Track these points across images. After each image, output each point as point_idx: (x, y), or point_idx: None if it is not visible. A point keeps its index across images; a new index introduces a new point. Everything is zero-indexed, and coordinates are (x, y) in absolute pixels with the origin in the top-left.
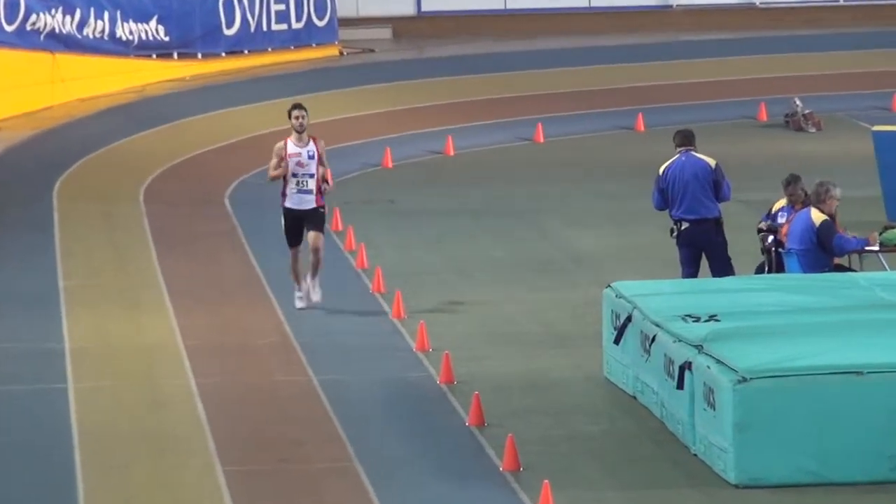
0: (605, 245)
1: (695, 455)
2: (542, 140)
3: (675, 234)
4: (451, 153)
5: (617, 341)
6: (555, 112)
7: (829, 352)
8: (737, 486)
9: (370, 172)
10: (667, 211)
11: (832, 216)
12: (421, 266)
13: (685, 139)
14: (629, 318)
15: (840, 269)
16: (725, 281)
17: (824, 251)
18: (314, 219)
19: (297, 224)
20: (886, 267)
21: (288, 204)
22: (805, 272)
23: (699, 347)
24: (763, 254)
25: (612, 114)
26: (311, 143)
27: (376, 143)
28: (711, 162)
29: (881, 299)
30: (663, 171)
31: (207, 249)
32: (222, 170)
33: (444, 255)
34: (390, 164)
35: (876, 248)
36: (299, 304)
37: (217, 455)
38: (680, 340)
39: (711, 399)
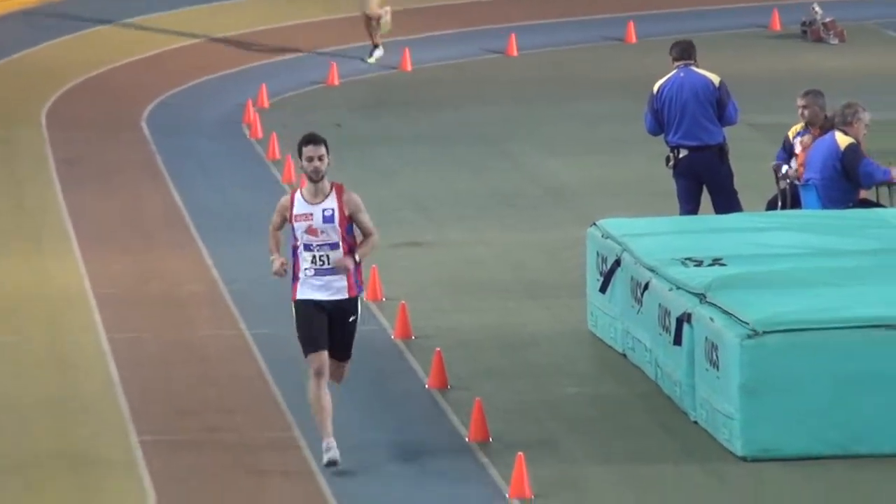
0: (588, 177)
1: (695, 423)
2: (514, 53)
3: (671, 163)
4: (408, 69)
5: (603, 290)
6: (530, 20)
7: (854, 303)
8: (744, 459)
9: (312, 91)
10: (662, 136)
11: (858, 143)
12: (373, 202)
13: (684, 52)
14: (618, 263)
15: (866, 204)
16: (731, 218)
17: (849, 182)
18: (343, 336)
19: (320, 318)
20: None
21: (301, 294)
22: (826, 207)
23: (701, 296)
24: (776, 185)
25: (598, 22)
26: (333, 196)
27: (319, 57)
28: (715, 79)
29: None
30: (658, 90)
31: (122, 182)
32: (139, 88)
33: (399, 190)
34: (336, 82)
35: None
36: (328, 456)
37: (132, 423)
38: (678, 288)
39: (715, 357)
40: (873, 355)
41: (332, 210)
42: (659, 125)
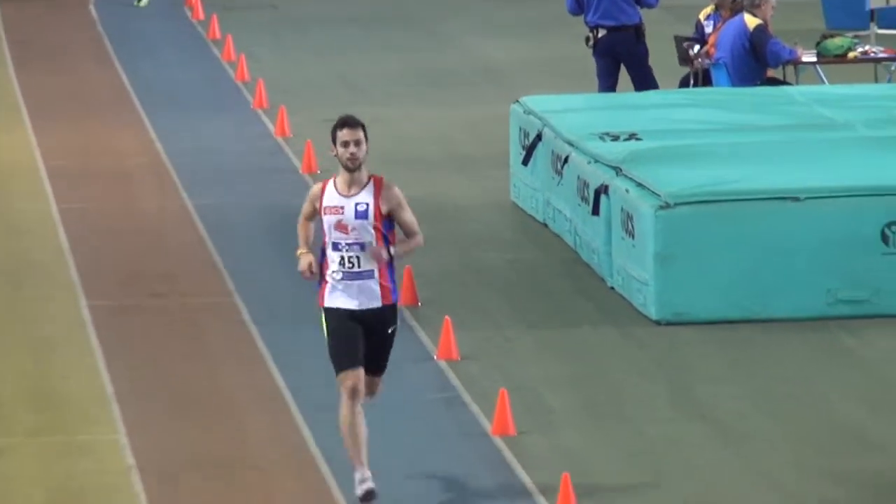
0: (512, 56)
1: (611, 289)
2: None
3: (590, 42)
4: None
5: (525, 162)
6: None
7: (762, 175)
8: (658, 323)
9: None
10: (582, 17)
11: (766, 24)
12: (307, 80)
13: None
14: (539, 137)
15: (774, 82)
16: (647, 95)
17: (757, 61)
18: (378, 349)
19: (353, 328)
20: (825, 80)
21: (330, 301)
22: (735, 85)
23: (617, 169)
24: (685, 65)
25: None
26: (370, 188)
27: None
28: None
29: (820, 116)
30: None
31: (71, 62)
32: None
33: (331, 69)
34: None
35: (813, 59)
36: (364, 487)
37: (82, 288)
38: (596, 161)
39: (630, 226)
40: (778, 225)
41: (367, 205)
42: (579, 6)
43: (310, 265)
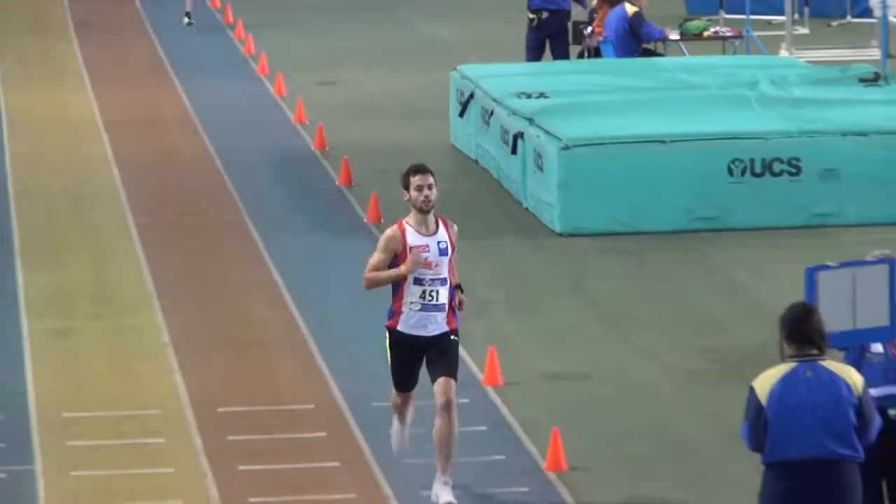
0: (454, 35)
1: (526, 209)
2: None
3: (535, 22)
4: None
5: (461, 115)
6: None
7: (638, 124)
8: (561, 235)
9: None
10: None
11: (641, 11)
12: (298, 53)
13: None
14: (472, 96)
15: (648, 54)
16: (553, 64)
17: (635, 39)
18: (443, 350)
19: (416, 357)
20: (686, 53)
21: (403, 327)
22: (619, 57)
23: (530, 120)
24: (578, 43)
25: None
26: (442, 228)
27: None
28: None
29: (682, 80)
30: None
31: (119, 39)
32: None
33: (317, 44)
34: None
35: (677, 37)
36: (396, 442)
37: (129, 209)
38: (514, 114)
39: (540, 163)
40: (650, 161)
41: (446, 243)
42: None
43: (417, 257)
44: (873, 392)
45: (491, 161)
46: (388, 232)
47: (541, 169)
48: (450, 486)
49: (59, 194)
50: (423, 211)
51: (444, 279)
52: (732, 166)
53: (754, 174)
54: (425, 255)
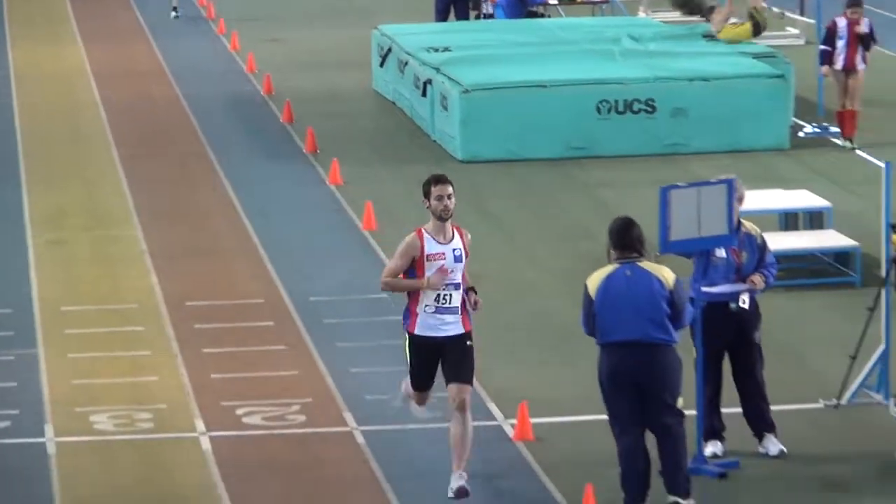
0: (380, 2)
1: (434, 141)
2: None
3: None
4: None
5: (382, 65)
6: None
7: (524, 72)
8: (462, 162)
9: None
10: None
11: None
12: (252, 14)
13: None
14: (390, 50)
15: (533, 15)
16: (456, 24)
17: (522, 3)
18: (459, 355)
19: (433, 359)
20: (563, 15)
21: (420, 330)
22: (509, 18)
23: (437, 69)
24: (476, 9)
25: None
26: (457, 236)
27: None
28: None
29: (560, 37)
30: None
31: (105, 8)
32: None
33: (267, 6)
34: None
35: (556, 2)
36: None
37: (114, 144)
38: (424, 64)
39: (445, 104)
40: (534, 103)
41: (461, 251)
42: None
43: (441, 273)
44: (719, 289)
45: (406, 103)
46: (408, 239)
47: (446, 109)
48: (465, 479)
49: (58, 133)
50: (443, 219)
51: (458, 284)
52: (600, 106)
53: (618, 112)
54: (441, 262)
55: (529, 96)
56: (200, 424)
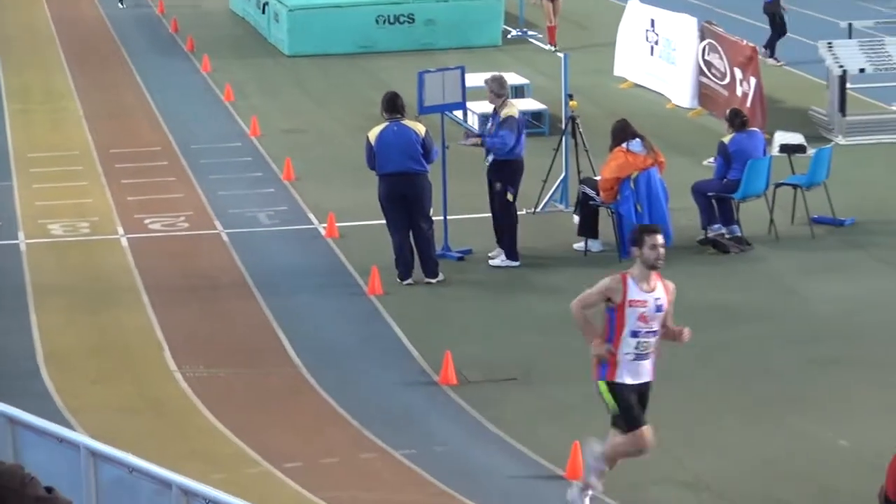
0: None
1: (271, 43)
2: None
3: None
4: None
5: None
6: None
7: None
8: (289, 56)
9: None
10: None
11: None
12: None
13: None
14: None
15: None
16: None
17: None
18: (645, 398)
19: (637, 402)
20: None
21: (625, 377)
22: None
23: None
24: None
25: None
26: (661, 286)
27: None
28: None
29: None
30: None
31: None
32: None
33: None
34: None
35: None
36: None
37: (60, 47)
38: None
39: (278, 18)
40: (337, 17)
41: (662, 302)
42: None
43: (609, 351)
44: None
45: (252, 18)
46: (611, 282)
47: (278, 21)
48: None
49: (23, 42)
50: (655, 268)
51: (656, 332)
52: (378, 18)
53: (390, 23)
54: (642, 309)
55: (333, 13)
56: (120, 230)
